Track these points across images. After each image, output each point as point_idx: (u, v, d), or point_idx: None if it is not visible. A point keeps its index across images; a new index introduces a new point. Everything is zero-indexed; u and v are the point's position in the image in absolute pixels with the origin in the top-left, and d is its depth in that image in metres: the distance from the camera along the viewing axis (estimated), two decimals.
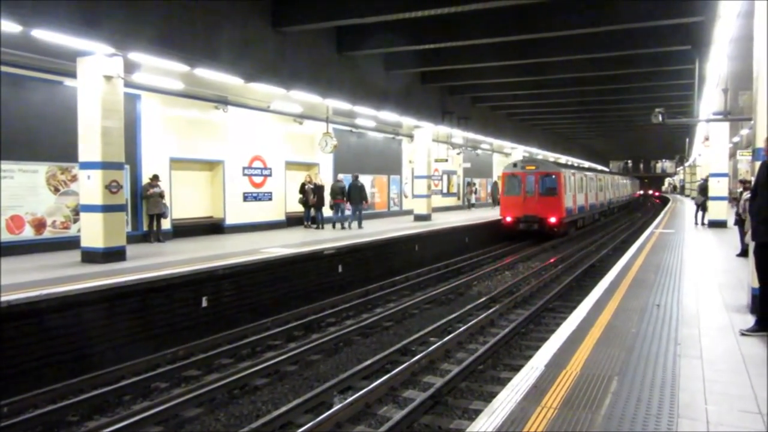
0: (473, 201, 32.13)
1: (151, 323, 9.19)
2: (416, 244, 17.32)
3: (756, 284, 6.10)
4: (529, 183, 23.45)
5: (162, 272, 9.55)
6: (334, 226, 18.75)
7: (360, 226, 18.84)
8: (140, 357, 8.31)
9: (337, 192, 18.53)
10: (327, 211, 18.76)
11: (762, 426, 3.79)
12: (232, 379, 7.37)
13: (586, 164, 50.59)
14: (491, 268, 16.56)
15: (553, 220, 22.98)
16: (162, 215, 14.03)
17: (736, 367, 4.99)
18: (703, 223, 20.13)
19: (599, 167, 52.99)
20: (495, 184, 34.61)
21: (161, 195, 13.81)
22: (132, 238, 12.88)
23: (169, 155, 14.74)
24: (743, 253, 11.24)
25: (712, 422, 3.84)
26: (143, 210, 13.92)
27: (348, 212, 19.06)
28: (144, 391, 7.40)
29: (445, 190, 30.80)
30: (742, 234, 11.80)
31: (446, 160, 27.74)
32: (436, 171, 28.40)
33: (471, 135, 27.09)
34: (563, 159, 43.68)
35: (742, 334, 5.93)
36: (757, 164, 6.25)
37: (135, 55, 10.72)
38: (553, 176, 23.51)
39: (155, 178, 13.76)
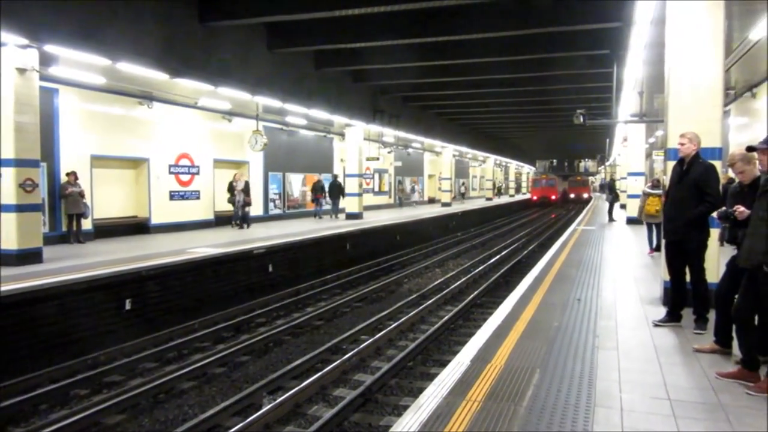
0: (416, 199, 32.36)
1: (70, 328, 8.78)
2: (348, 243, 17.32)
3: (667, 277, 6.45)
4: (543, 182, 55.71)
5: (81, 274, 9.14)
6: (315, 216, 22.22)
7: (336, 216, 22.52)
8: (58, 364, 7.94)
9: (318, 189, 22.13)
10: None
11: (669, 411, 4.02)
12: (157, 383, 7.16)
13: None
14: (422, 266, 16.80)
15: (554, 197, 54.33)
16: (82, 215, 13.40)
17: (649, 356, 5.26)
18: (612, 220, 21.20)
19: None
20: (463, 183, 43.79)
21: (81, 194, 13.18)
22: (50, 239, 12.30)
23: (90, 152, 14.09)
24: (656, 248, 11.87)
25: (626, 409, 4.04)
26: (62, 209, 13.28)
27: (327, 206, 22.84)
28: (62, 399, 7.06)
29: (376, 189, 30.97)
30: (649, 231, 12.57)
31: (378, 159, 27.87)
32: (368, 170, 28.55)
33: (402, 134, 27.42)
34: (492, 158, 49.20)
35: (655, 325, 6.25)
36: (669, 164, 6.59)
37: (52, 48, 10.20)
38: (553, 179, 56.49)
39: (73, 175, 13.13)
